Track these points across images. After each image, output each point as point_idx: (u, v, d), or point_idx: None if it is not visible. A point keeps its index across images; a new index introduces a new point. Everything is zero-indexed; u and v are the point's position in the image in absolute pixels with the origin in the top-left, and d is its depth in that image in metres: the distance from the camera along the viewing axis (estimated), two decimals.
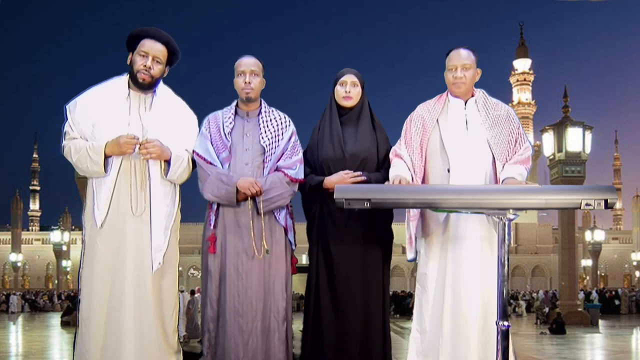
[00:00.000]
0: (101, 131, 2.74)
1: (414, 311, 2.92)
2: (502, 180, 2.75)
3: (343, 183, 2.87)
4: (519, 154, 2.85)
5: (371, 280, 2.99)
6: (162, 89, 2.91)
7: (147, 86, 2.81)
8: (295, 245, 3.02)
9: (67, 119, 2.81)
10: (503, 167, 2.81)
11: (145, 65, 2.77)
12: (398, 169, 2.86)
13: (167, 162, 2.77)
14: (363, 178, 2.94)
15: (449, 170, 2.80)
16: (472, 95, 2.93)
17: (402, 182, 2.70)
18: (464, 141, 2.84)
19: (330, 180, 2.94)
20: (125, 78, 2.86)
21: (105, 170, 2.72)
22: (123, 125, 2.75)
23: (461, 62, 2.86)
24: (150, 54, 2.79)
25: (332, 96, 3.12)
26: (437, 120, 2.91)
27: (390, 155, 2.96)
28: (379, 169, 3.06)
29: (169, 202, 2.80)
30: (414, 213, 2.86)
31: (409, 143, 2.91)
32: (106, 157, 2.71)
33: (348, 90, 3.06)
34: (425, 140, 2.89)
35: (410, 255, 2.93)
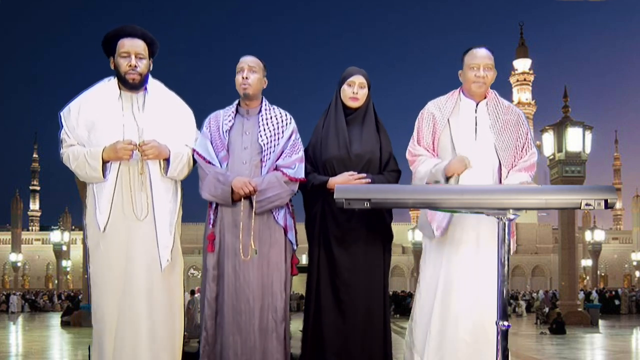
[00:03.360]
0: (97, 135, 2.72)
1: (413, 306, 2.97)
2: None
3: (348, 184, 2.85)
4: (523, 160, 2.85)
5: (373, 280, 2.98)
6: (154, 84, 2.88)
7: (138, 85, 2.79)
8: (297, 245, 3.01)
9: (62, 126, 2.79)
10: (508, 173, 2.82)
11: (130, 65, 2.74)
12: (429, 163, 2.82)
13: (167, 161, 2.77)
14: (368, 180, 2.92)
15: None
16: (485, 97, 2.91)
17: (456, 164, 2.70)
18: (473, 144, 2.84)
19: (334, 181, 2.91)
20: (114, 81, 2.83)
21: (104, 176, 2.70)
22: (118, 127, 2.73)
23: (484, 61, 2.84)
24: (132, 52, 2.75)
25: (337, 95, 3.09)
26: (448, 119, 2.89)
27: (408, 157, 2.95)
28: (381, 171, 3.06)
29: (171, 198, 2.80)
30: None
31: (421, 141, 2.92)
32: (104, 162, 2.69)
33: (355, 91, 3.03)
34: (437, 138, 2.90)
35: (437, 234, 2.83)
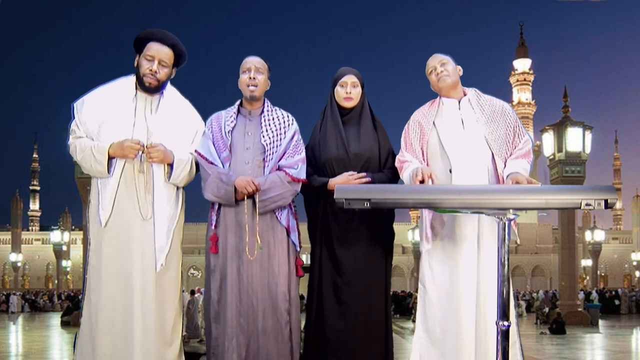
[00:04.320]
0: (107, 131, 2.75)
1: (418, 312, 2.91)
2: (507, 176, 2.75)
3: (348, 184, 2.86)
4: (519, 148, 2.86)
5: (374, 280, 2.98)
6: (170, 90, 2.92)
7: (153, 89, 2.83)
8: (300, 247, 2.99)
9: (74, 117, 2.81)
10: (505, 163, 2.82)
11: (151, 70, 2.79)
12: (412, 166, 2.84)
13: (170, 166, 2.78)
14: (368, 179, 2.93)
15: (450, 171, 2.80)
16: (465, 95, 2.96)
17: (425, 172, 2.68)
18: (462, 140, 2.85)
19: (335, 182, 2.91)
20: (132, 79, 2.87)
21: (109, 171, 2.73)
22: (128, 126, 2.76)
23: (437, 60, 2.96)
24: (157, 57, 2.80)
25: (331, 96, 3.10)
26: (434, 122, 2.92)
27: (397, 164, 2.96)
28: (381, 169, 3.06)
29: (172, 204, 2.81)
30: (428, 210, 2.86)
31: (410, 149, 2.93)
32: (110, 158, 2.72)
33: (349, 91, 3.04)
34: (425, 143, 2.91)
35: (426, 246, 2.87)
